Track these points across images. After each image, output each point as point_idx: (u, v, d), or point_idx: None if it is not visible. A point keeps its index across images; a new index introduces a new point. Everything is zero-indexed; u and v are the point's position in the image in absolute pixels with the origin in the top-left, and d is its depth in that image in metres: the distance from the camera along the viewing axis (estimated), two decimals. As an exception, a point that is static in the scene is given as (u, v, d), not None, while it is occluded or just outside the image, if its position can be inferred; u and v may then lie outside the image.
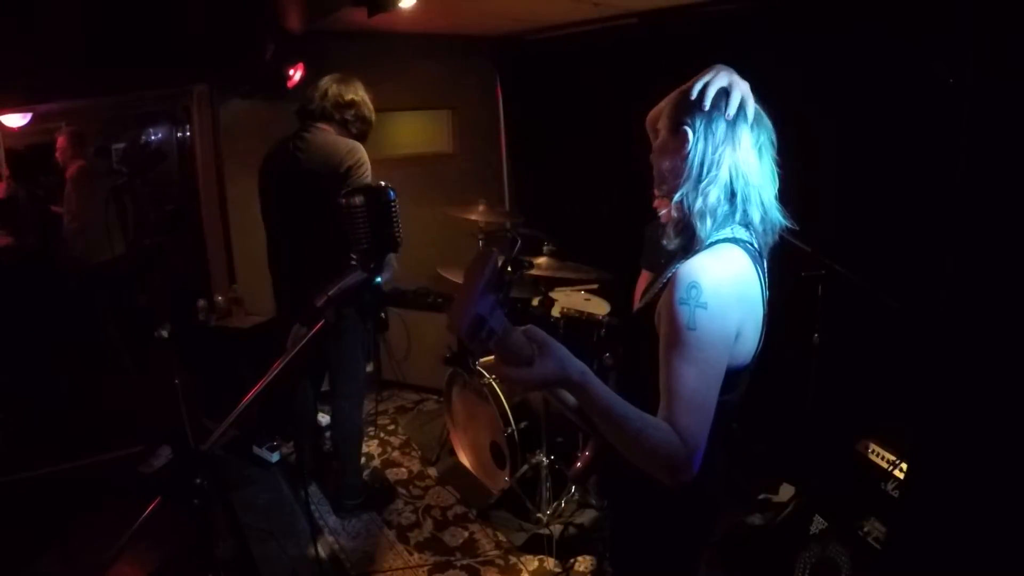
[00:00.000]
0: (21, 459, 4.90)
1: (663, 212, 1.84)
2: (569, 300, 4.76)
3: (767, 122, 1.94)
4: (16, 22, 4.03)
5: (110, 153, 9.11)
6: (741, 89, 1.85)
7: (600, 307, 4.68)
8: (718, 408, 1.62)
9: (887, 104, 3.77)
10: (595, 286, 4.89)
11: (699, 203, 1.72)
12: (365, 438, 5.25)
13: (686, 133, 1.76)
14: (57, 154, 6.73)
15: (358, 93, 4.09)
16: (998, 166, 1.33)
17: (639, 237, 4.93)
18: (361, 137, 4.12)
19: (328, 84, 4.07)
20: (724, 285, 1.64)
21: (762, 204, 1.80)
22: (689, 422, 1.56)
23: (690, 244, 1.76)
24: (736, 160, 1.76)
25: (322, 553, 4.02)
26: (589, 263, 4.45)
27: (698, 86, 1.82)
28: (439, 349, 5.85)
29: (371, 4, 4.07)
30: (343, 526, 4.24)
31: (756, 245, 1.79)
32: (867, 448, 3.21)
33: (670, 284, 1.67)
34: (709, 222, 1.72)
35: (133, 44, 4.67)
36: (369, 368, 6.22)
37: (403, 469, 4.88)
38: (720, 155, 1.74)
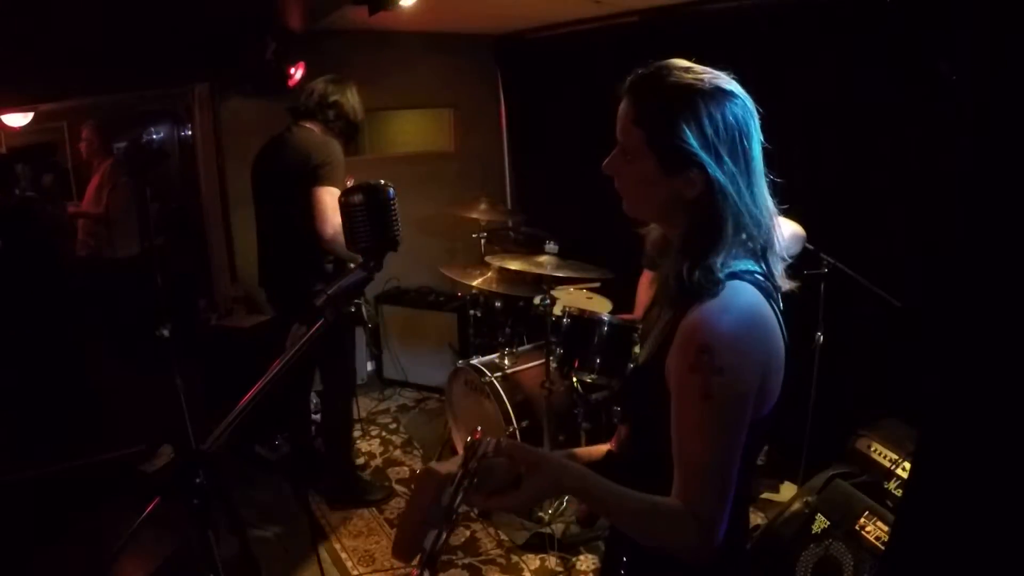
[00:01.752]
0: (23, 458, 4.90)
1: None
2: (571, 298, 4.75)
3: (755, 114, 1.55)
4: (17, 21, 4.03)
5: (112, 152, 9.11)
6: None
7: (603, 305, 4.68)
8: (742, 466, 1.44)
9: (890, 101, 3.77)
10: (597, 284, 4.88)
11: (709, 249, 1.45)
12: (367, 437, 5.27)
13: (696, 174, 1.44)
14: (82, 146, 6.73)
15: (344, 94, 4.16)
16: (1000, 164, 1.32)
17: (640, 236, 4.92)
18: (346, 137, 4.22)
19: (318, 83, 4.18)
20: (740, 341, 1.40)
21: (769, 218, 1.54)
22: (705, 499, 1.38)
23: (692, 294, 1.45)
24: (741, 185, 1.46)
25: (323, 552, 4.01)
26: (591, 261, 4.44)
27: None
28: (441, 348, 5.86)
29: (372, 2, 4.06)
30: (344, 525, 4.23)
31: (766, 275, 1.54)
32: (869, 446, 3.20)
33: (679, 341, 1.43)
34: (719, 262, 1.44)
35: (134, 43, 4.67)
36: (370, 367, 6.24)
37: (405, 468, 4.87)
38: (724, 199, 1.44)
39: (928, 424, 1.60)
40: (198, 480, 1.55)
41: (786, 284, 1.62)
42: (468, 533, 4.10)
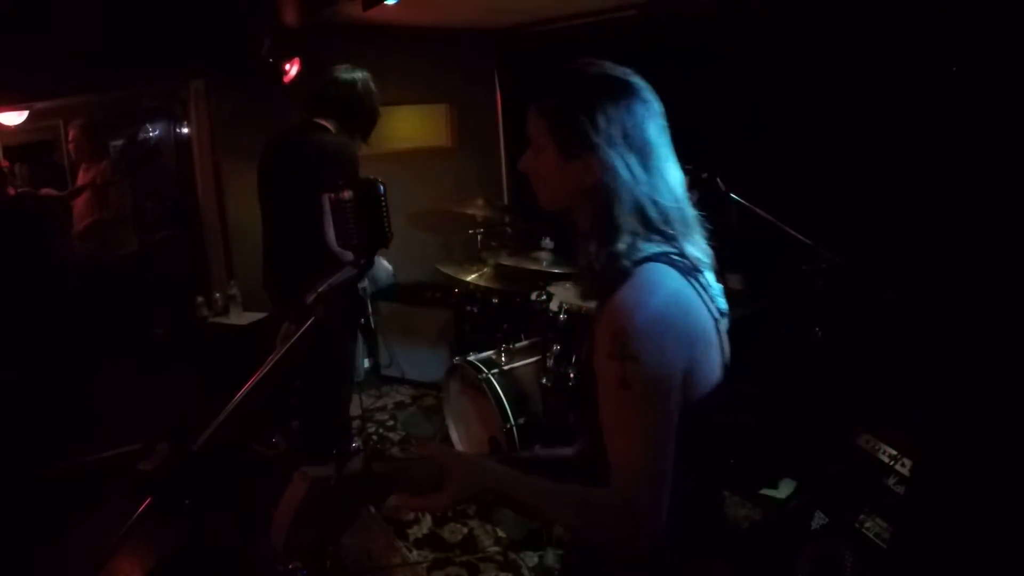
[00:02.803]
0: (20, 457, 4.89)
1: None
2: (568, 294, 4.74)
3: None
4: (12, 19, 4.02)
5: (108, 150, 9.10)
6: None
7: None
8: (692, 454, 1.43)
9: (889, 94, 3.75)
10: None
11: (614, 234, 1.48)
12: (364, 434, 5.25)
13: (593, 158, 1.49)
14: (70, 146, 6.70)
15: (361, 87, 4.01)
16: (999, 156, 1.31)
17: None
18: (364, 133, 4.08)
19: (331, 76, 3.98)
20: (655, 324, 1.38)
21: (676, 200, 1.58)
22: (636, 489, 1.36)
23: (606, 282, 1.47)
24: (637, 169, 1.50)
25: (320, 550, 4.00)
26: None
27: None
28: (437, 344, 5.84)
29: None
30: (342, 523, 4.22)
31: (681, 254, 1.53)
32: (868, 442, 3.18)
33: (598, 331, 1.45)
34: (624, 246, 1.46)
35: (130, 40, 4.67)
36: (367, 364, 6.22)
37: (402, 465, 4.86)
38: (618, 179, 1.48)
39: (930, 422, 1.59)
40: (190, 480, 1.53)
41: (708, 258, 1.60)
42: (466, 531, 4.09)
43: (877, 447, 3.13)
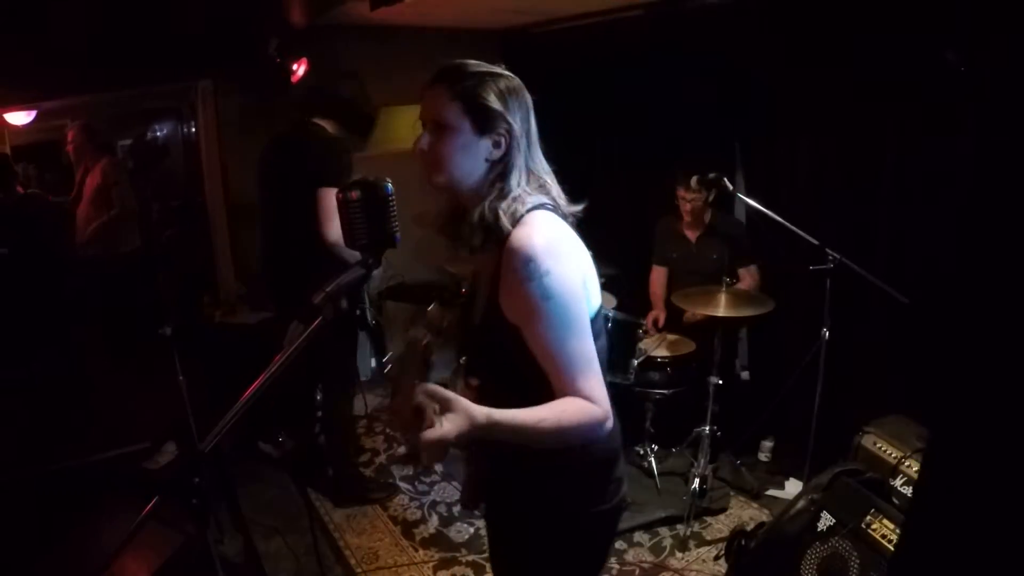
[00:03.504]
0: (27, 456, 4.91)
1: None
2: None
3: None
4: (20, 19, 4.03)
5: (116, 150, 9.13)
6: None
7: (607, 301, 4.66)
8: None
9: (896, 94, 3.74)
10: (602, 280, 4.87)
11: (516, 195, 1.79)
12: (371, 434, 5.26)
13: (502, 134, 1.80)
14: (68, 147, 6.71)
15: (356, 89, 4.12)
16: (1007, 158, 1.30)
17: (646, 231, 4.92)
18: (361, 133, 4.19)
19: (329, 79, 4.14)
20: (555, 246, 1.71)
21: (548, 172, 1.90)
22: (591, 384, 1.66)
23: (496, 230, 1.75)
24: (529, 145, 1.85)
25: (327, 549, 4.00)
26: (596, 257, 4.42)
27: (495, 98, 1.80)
28: (444, 344, 5.83)
29: (372, -4, 4.05)
30: (348, 522, 4.22)
31: (556, 206, 1.85)
32: (874, 443, 3.18)
33: (505, 270, 1.71)
34: (516, 206, 1.77)
35: (137, 40, 4.67)
36: (374, 363, 6.22)
37: (409, 465, 4.86)
38: (519, 151, 1.82)
39: (938, 424, 1.59)
40: (196, 479, 1.53)
41: (571, 210, 1.90)
42: (472, 530, 4.09)
43: (883, 447, 3.13)
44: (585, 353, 1.68)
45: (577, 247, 1.81)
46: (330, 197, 3.70)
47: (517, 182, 1.79)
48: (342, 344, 4.23)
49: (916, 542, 1.58)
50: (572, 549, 1.98)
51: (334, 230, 3.69)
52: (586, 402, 1.64)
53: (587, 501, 1.93)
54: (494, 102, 1.78)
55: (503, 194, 1.78)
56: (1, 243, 6.30)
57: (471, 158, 1.79)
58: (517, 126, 1.79)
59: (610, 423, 1.69)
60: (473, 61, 1.86)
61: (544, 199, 1.81)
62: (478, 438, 1.55)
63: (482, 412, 1.52)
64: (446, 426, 1.47)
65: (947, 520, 1.42)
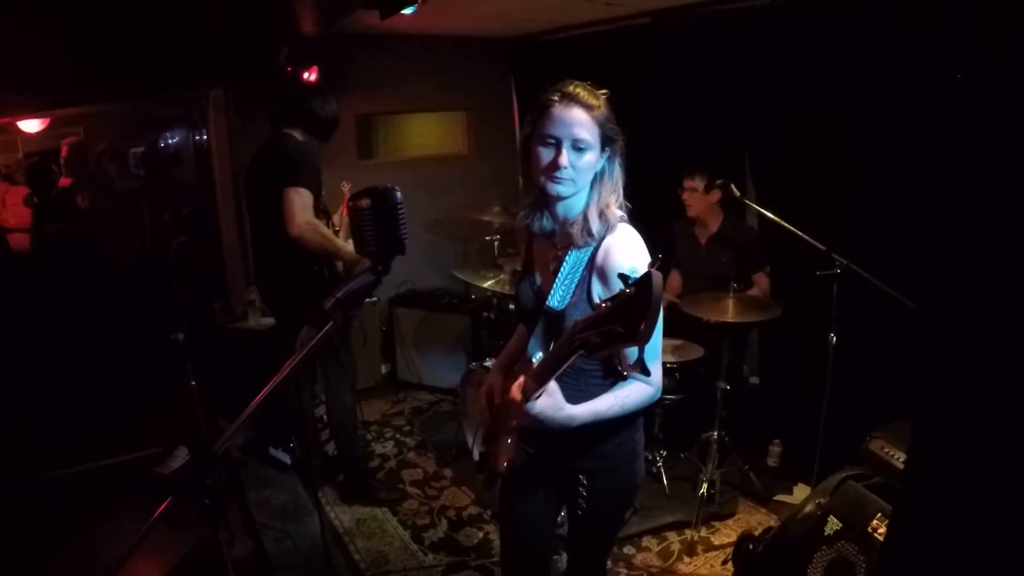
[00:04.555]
0: (39, 460, 4.95)
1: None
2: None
3: None
4: (34, 28, 4.07)
5: (127, 158, 9.19)
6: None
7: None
8: None
9: (901, 101, 3.75)
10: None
11: (612, 201, 2.16)
12: (382, 439, 5.29)
13: (609, 151, 2.13)
14: (61, 159, 6.86)
15: (316, 96, 4.22)
16: (1004, 161, 1.32)
17: (657, 234, 4.92)
18: (325, 137, 4.30)
19: (291, 90, 4.34)
20: (645, 257, 2.09)
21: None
22: (655, 368, 2.06)
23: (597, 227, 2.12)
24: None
25: (337, 553, 4.03)
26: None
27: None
28: (454, 350, 5.87)
29: (383, 7, 4.08)
30: (358, 526, 4.25)
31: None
32: (882, 448, 3.19)
33: (603, 271, 2.07)
34: (612, 212, 2.14)
35: (149, 49, 4.71)
36: (384, 369, 6.26)
37: (419, 470, 4.89)
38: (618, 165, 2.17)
39: (923, 419, 1.62)
40: (208, 481, 1.56)
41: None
42: (481, 535, 4.11)
43: (890, 452, 3.14)
44: (657, 343, 2.04)
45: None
46: (294, 194, 3.84)
47: (613, 189, 2.15)
48: (333, 346, 4.29)
49: (903, 536, 1.60)
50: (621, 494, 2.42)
51: (295, 224, 3.83)
52: (644, 385, 2.09)
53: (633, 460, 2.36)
54: (613, 130, 2.10)
55: (603, 200, 2.13)
56: (49, 235, 6.45)
57: (592, 171, 2.11)
58: (619, 140, 2.13)
59: (658, 393, 2.14)
60: (585, 84, 2.13)
61: (621, 208, 2.18)
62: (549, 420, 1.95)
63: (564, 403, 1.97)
64: (543, 400, 1.91)
65: (932, 514, 1.45)
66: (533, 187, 2.17)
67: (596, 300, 2.01)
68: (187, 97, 6.83)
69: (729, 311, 4.00)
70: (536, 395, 1.87)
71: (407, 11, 3.94)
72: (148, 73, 5.31)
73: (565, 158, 2.04)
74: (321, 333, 1.46)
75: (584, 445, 2.25)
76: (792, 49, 4.26)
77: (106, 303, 6.64)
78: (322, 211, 4.15)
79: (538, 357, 2.01)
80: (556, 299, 2.14)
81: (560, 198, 2.10)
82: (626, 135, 2.15)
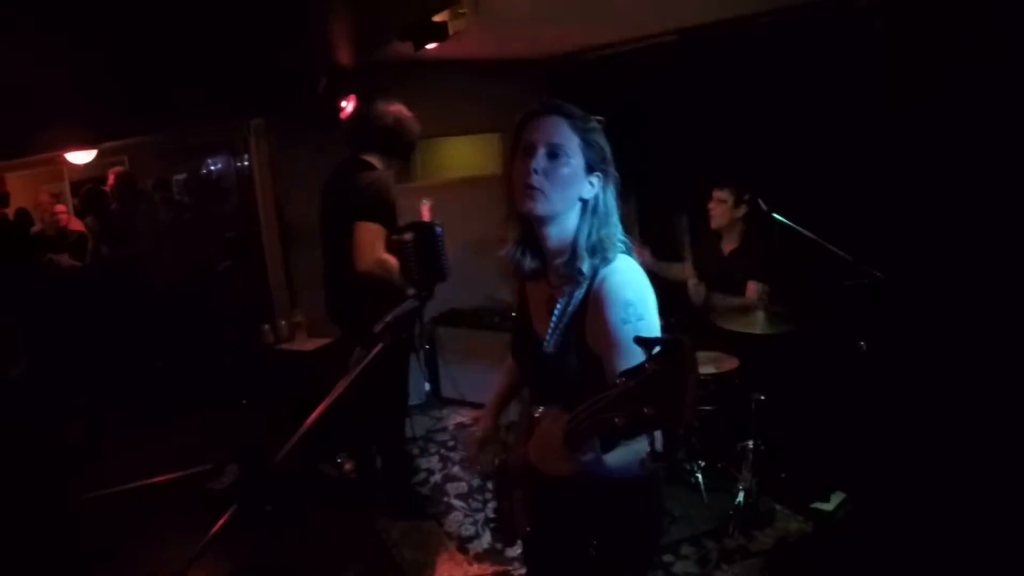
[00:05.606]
0: (93, 478, 5.15)
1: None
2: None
3: None
4: (81, 65, 4.22)
5: (171, 185, 9.46)
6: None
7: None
8: None
9: (931, 112, 3.82)
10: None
11: (606, 233, 1.91)
12: (427, 454, 5.42)
13: (599, 179, 1.92)
14: (107, 188, 7.12)
15: (396, 118, 4.21)
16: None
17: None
18: (404, 159, 4.35)
19: (370, 110, 4.23)
20: (645, 291, 1.85)
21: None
22: None
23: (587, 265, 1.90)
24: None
25: (384, 563, 4.15)
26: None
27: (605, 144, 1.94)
28: (495, 367, 5.97)
29: (416, 38, 4.22)
30: (404, 538, 4.37)
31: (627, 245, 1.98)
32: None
33: (600, 306, 1.83)
34: (607, 246, 1.90)
35: (192, 81, 4.88)
36: (428, 387, 6.40)
37: (463, 483, 5.02)
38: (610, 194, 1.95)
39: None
40: (270, 490, 1.68)
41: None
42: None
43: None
44: None
45: (649, 283, 1.91)
46: (365, 231, 3.84)
47: (606, 223, 1.92)
48: (395, 370, 4.39)
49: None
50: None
51: (363, 260, 3.83)
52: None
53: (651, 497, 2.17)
54: (604, 145, 1.91)
55: (595, 232, 1.91)
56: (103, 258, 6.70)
57: (573, 191, 1.89)
58: (612, 171, 1.93)
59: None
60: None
61: (622, 241, 1.95)
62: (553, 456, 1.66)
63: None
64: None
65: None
66: (517, 219, 2.01)
67: (589, 342, 1.87)
68: (228, 125, 7.03)
69: (759, 323, 4.09)
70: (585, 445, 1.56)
71: (438, 43, 4.09)
72: (193, 105, 5.51)
73: (537, 162, 1.86)
74: (371, 355, 1.59)
75: (601, 501, 2.04)
76: (816, 62, 4.35)
77: (155, 325, 6.85)
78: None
79: (540, 411, 1.89)
80: (551, 343, 2.00)
81: (534, 216, 1.91)
82: (655, 150, 1.99)
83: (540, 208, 1.87)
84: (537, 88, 6.84)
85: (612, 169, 1.93)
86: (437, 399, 6.42)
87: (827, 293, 4.12)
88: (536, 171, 1.84)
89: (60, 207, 7.88)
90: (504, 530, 2.42)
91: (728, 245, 4.82)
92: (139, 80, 4.67)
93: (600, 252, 1.89)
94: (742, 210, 4.67)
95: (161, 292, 7.00)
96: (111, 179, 7.10)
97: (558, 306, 1.96)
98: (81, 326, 6.65)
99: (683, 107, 5.33)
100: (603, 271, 1.88)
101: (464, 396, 6.27)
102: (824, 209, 4.45)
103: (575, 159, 1.87)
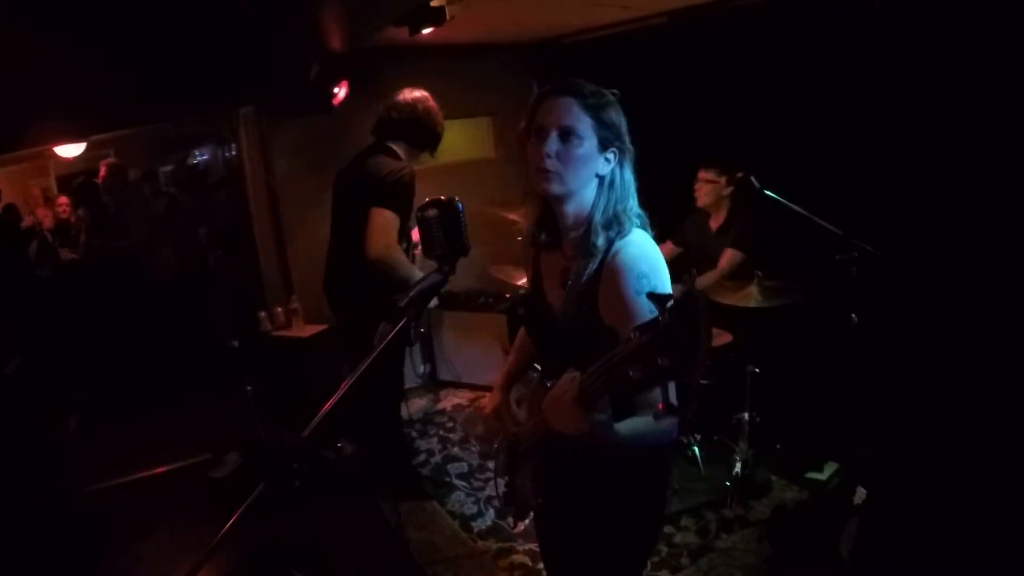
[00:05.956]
0: (91, 470, 5.19)
1: None
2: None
3: None
4: (70, 57, 4.20)
5: (158, 176, 9.45)
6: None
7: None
8: None
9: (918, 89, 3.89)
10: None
11: (622, 208, 1.96)
12: (426, 436, 5.49)
13: (614, 155, 1.96)
14: (99, 180, 7.12)
15: (425, 109, 4.24)
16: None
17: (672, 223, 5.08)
18: (432, 149, 4.35)
19: (394, 101, 4.25)
20: (658, 263, 1.89)
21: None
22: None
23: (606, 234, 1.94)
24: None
25: (391, 544, 4.22)
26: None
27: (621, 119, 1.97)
28: (492, 348, 6.05)
29: (412, 23, 4.25)
30: (408, 519, 4.44)
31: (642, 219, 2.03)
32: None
33: (614, 277, 1.86)
34: (623, 220, 1.95)
35: (182, 72, 4.86)
36: (424, 369, 6.46)
37: (463, 463, 5.10)
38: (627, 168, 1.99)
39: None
40: (296, 465, 1.73)
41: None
42: (528, 521, 4.25)
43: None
44: None
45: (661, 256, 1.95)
46: (381, 216, 3.95)
47: (623, 197, 1.96)
48: (393, 354, 4.42)
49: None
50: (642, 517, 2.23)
51: (374, 246, 3.94)
52: (670, 418, 1.70)
53: (657, 475, 2.21)
54: (618, 121, 1.95)
55: (611, 207, 1.95)
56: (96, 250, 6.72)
57: (588, 170, 1.93)
58: (627, 145, 1.97)
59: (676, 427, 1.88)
60: (584, 80, 1.99)
61: (638, 220, 1.99)
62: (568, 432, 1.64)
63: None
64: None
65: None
66: (535, 196, 2.06)
67: (602, 314, 1.88)
68: (216, 115, 7.02)
69: (753, 297, 4.17)
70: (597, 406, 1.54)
71: (435, 27, 4.13)
72: (182, 95, 5.49)
73: (549, 146, 1.90)
74: (397, 328, 1.66)
75: (600, 476, 2.08)
76: (804, 42, 4.42)
77: (151, 316, 6.87)
78: (404, 236, 4.19)
79: (551, 384, 1.83)
80: (564, 315, 2.03)
81: (550, 196, 1.97)
82: (642, 132, 2.03)
83: (555, 189, 1.92)
84: (526, 72, 6.89)
85: (628, 144, 1.96)
86: (433, 382, 6.49)
87: (819, 267, 4.20)
88: (549, 154, 1.88)
89: (62, 199, 7.89)
90: (515, 504, 2.47)
91: (715, 222, 4.91)
92: (127, 70, 4.64)
93: (616, 226, 1.93)
94: (726, 188, 4.77)
95: (155, 283, 7.02)
96: (103, 171, 7.08)
97: (573, 277, 1.98)
98: (76, 320, 6.67)
99: (670, 89, 5.38)
100: (617, 244, 1.91)
101: (460, 378, 6.35)
102: (814, 185, 4.54)
103: (588, 139, 1.90)
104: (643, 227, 2.00)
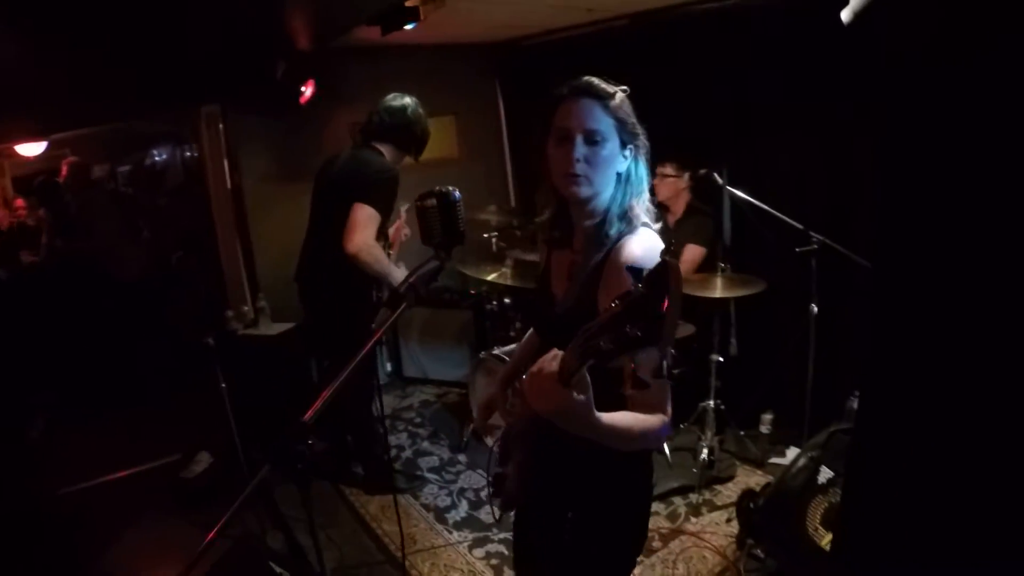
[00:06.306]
0: (57, 475, 5.16)
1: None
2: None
3: None
4: (30, 55, 4.16)
5: (116, 176, 9.36)
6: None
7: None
8: None
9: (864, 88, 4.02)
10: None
11: (637, 200, 2.00)
12: (395, 432, 5.55)
13: (632, 151, 2.00)
14: (61, 180, 7.07)
15: (413, 114, 4.35)
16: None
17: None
18: (416, 152, 4.48)
19: (384, 105, 4.34)
20: (657, 256, 1.82)
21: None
22: (664, 399, 1.82)
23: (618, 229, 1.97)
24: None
25: (365, 538, 4.29)
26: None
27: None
28: (458, 344, 6.12)
29: (385, 24, 4.30)
30: (383, 512, 4.50)
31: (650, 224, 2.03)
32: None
33: (615, 272, 1.88)
34: (632, 216, 1.98)
35: (145, 68, 4.83)
36: (389, 367, 6.51)
37: (434, 457, 5.17)
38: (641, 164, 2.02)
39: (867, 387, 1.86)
40: (300, 448, 1.80)
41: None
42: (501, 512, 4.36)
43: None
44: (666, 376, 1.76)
45: None
46: (363, 211, 4.01)
47: (637, 190, 2.00)
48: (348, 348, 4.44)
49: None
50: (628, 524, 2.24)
51: (353, 241, 4.00)
52: (660, 419, 1.80)
53: (640, 480, 2.23)
54: (634, 118, 1.99)
55: (627, 200, 1.98)
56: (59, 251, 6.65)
57: (612, 170, 1.96)
58: (643, 141, 2.01)
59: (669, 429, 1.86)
60: (599, 79, 2.01)
61: (646, 218, 2.01)
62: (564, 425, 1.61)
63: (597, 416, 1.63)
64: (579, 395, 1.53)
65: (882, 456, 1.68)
66: (554, 195, 2.07)
67: (600, 304, 1.88)
68: (176, 113, 6.99)
69: (718, 288, 4.29)
70: (577, 378, 1.49)
71: (407, 27, 4.18)
72: (144, 93, 5.46)
73: (578, 151, 1.90)
74: (396, 313, 1.74)
75: (584, 472, 2.09)
76: (762, 44, 4.53)
77: (115, 317, 6.82)
78: (382, 234, 4.24)
79: None
80: (564, 303, 2.06)
81: (579, 200, 1.98)
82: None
83: (585, 192, 1.94)
84: (491, 72, 6.97)
85: (642, 139, 2.01)
86: (400, 378, 6.54)
87: (779, 259, 4.33)
88: (578, 159, 1.91)
89: (19, 201, 7.81)
90: (502, 495, 2.43)
91: (672, 217, 5.03)
92: (91, 69, 4.61)
93: (628, 218, 1.96)
94: (684, 183, 4.89)
95: (119, 284, 6.97)
96: (65, 170, 7.02)
97: (580, 270, 2.02)
98: (38, 323, 6.60)
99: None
100: (625, 237, 1.94)
101: (427, 374, 6.39)
102: (773, 180, 4.68)
103: (611, 140, 1.94)
104: (653, 220, 2.03)
